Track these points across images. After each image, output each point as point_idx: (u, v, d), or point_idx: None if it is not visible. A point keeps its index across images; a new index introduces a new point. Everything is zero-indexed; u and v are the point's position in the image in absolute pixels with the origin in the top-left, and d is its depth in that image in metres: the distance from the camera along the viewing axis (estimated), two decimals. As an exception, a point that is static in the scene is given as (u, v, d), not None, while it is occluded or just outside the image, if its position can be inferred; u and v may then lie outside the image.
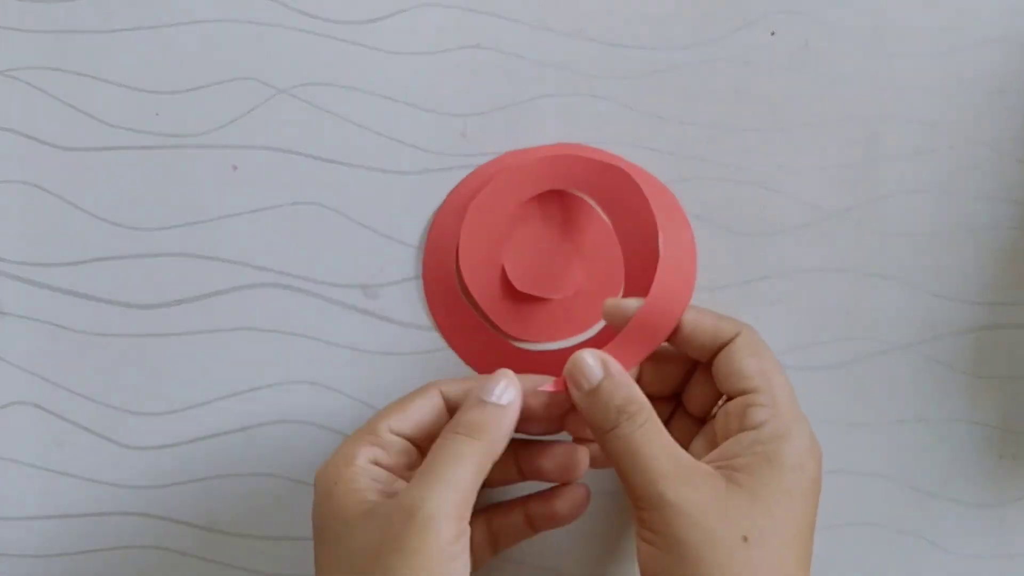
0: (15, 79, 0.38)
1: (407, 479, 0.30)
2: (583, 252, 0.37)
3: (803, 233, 0.38)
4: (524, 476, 0.33)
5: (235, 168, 0.38)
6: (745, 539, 0.27)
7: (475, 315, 0.37)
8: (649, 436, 0.29)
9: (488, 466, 0.29)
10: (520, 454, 0.33)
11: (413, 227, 0.38)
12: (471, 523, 0.28)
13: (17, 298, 0.38)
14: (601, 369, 0.30)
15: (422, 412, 0.31)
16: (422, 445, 0.31)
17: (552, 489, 0.34)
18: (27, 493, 0.38)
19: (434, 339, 0.38)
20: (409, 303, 0.38)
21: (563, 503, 0.33)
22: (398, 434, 0.30)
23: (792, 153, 0.38)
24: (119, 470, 0.38)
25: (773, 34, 0.38)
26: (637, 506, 0.29)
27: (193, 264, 0.38)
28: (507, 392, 0.30)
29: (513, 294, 0.37)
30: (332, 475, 0.29)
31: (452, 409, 0.31)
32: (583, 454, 0.33)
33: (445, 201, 0.37)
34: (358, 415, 0.37)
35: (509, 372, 0.30)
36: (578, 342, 0.37)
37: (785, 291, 0.38)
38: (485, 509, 0.34)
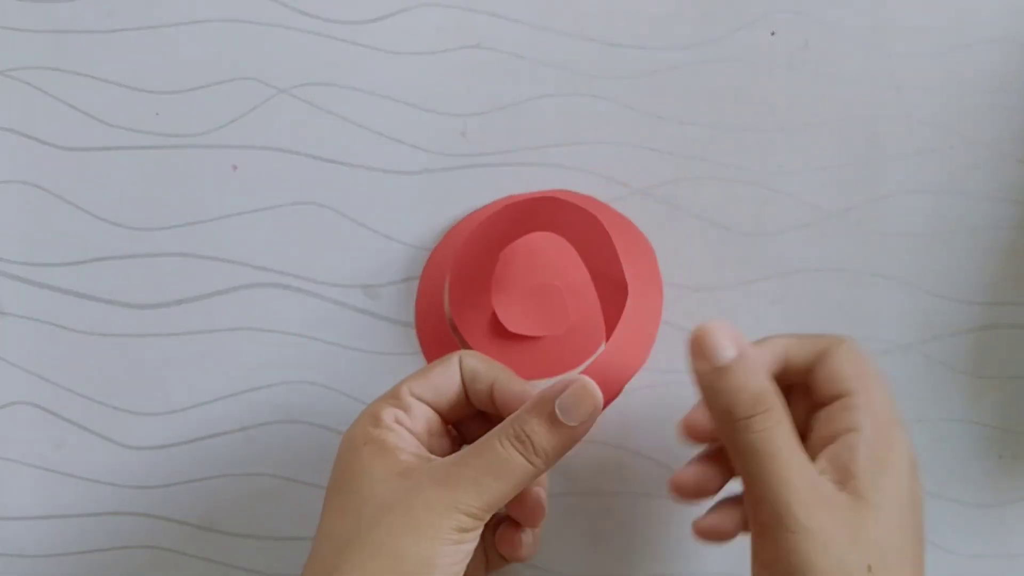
0: (15, 79, 0.38)
1: (428, 444, 0.30)
2: (572, 290, 0.37)
3: (803, 233, 0.38)
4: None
5: (235, 168, 0.38)
6: (869, 569, 0.26)
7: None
8: (786, 441, 0.27)
9: (528, 483, 0.28)
10: None
11: (413, 227, 0.38)
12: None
13: (17, 298, 0.38)
14: (735, 348, 0.27)
15: (442, 379, 0.31)
16: (441, 411, 0.31)
17: (500, 535, 0.33)
18: (27, 493, 0.38)
19: (434, 339, 0.38)
20: (409, 303, 0.38)
21: (506, 548, 0.32)
22: (419, 398, 0.30)
23: (792, 153, 0.38)
24: (119, 470, 0.38)
25: (773, 34, 0.38)
26: (760, 520, 0.27)
27: (193, 264, 0.38)
28: (588, 415, 0.28)
29: (504, 335, 0.36)
30: (360, 435, 0.29)
31: (467, 380, 0.31)
32: (544, 498, 0.32)
33: (438, 245, 0.37)
34: (358, 415, 0.38)
35: (600, 398, 0.28)
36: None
37: (785, 291, 0.38)
38: None
